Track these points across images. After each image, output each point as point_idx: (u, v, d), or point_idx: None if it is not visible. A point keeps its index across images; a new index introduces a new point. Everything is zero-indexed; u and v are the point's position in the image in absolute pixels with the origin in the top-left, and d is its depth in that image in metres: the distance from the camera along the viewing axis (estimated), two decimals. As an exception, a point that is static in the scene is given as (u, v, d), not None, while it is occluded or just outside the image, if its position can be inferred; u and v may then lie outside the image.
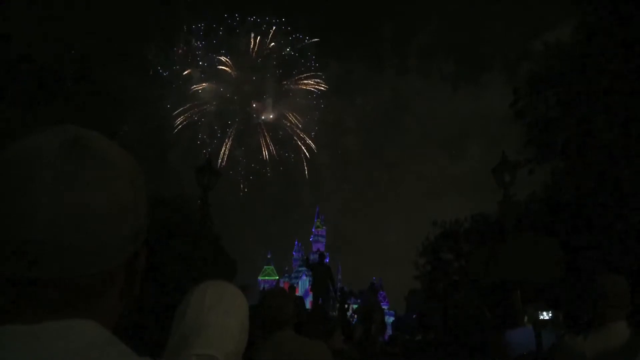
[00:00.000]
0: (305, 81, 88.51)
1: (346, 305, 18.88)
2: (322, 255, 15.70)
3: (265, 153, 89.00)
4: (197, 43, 79.28)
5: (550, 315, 9.11)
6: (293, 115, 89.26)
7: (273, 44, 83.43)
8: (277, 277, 77.25)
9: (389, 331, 18.14)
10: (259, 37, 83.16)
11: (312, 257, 70.66)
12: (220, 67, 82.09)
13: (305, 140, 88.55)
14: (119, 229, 0.69)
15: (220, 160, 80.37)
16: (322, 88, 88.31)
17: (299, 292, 72.56)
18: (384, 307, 70.49)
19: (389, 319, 47.16)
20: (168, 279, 15.70)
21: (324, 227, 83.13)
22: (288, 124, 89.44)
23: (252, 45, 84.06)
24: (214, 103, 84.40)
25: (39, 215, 0.63)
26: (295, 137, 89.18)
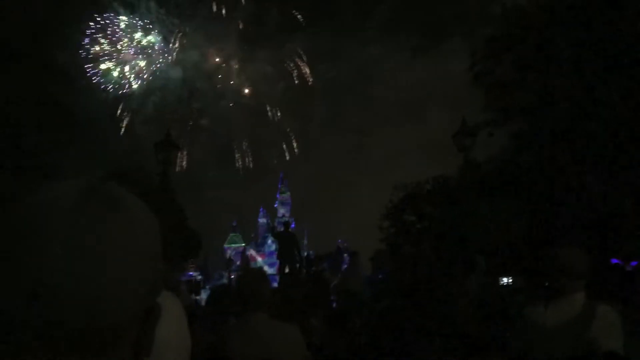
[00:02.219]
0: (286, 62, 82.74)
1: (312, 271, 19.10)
2: (287, 224, 15.80)
3: (239, 162, 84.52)
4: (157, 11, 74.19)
5: (509, 280, 9.46)
6: (275, 110, 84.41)
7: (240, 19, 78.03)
8: (243, 244, 77.36)
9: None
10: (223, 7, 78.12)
11: (277, 223, 70.71)
12: (179, 34, 77.58)
13: (290, 140, 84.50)
14: (133, 280, 0.67)
15: (184, 133, 77.34)
16: (307, 79, 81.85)
17: (265, 258, 72.89)
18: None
19: (355, 280, 47.98)
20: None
21: (288, 193, 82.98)
22: (271, 115, 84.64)
23: (215, 10, 79.47)
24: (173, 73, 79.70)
25: (48, 256, 0.62)
26: (279, 136, 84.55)
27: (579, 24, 10.30)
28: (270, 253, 70.11)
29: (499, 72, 12.62)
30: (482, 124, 12.47)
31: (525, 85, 11.54)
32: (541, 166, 11.02)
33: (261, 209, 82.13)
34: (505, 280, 9.38)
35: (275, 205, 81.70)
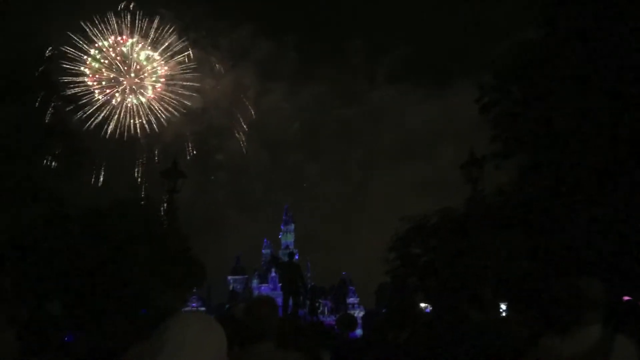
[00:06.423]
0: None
1: (317, 303, 18.84)
2: (291, 254, 15.70)
3: None
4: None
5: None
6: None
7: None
8: (247, 275, 76.81)
9: (359, 329, 18.10)
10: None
11: (281, 254, 70.45)
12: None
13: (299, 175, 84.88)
14: None
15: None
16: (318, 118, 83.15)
17: (268, 289, 72.13)
18: (353, 301, 70.57)
19: (359, 314, 47.39)
20: (133, 281, 15.32)
21: (292, 224, 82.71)
22: None
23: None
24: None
25: None
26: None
27: (580, 56, 10.36)
28: (274, 284, 69.49)
29: (506, 104, 12.67)
30: (489, 156, 12.45)
31: (531, 117, 11.55)
32: (548, 199, 10.94)
33: (265, 240, 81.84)
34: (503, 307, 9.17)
35: (280, 236, 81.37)
